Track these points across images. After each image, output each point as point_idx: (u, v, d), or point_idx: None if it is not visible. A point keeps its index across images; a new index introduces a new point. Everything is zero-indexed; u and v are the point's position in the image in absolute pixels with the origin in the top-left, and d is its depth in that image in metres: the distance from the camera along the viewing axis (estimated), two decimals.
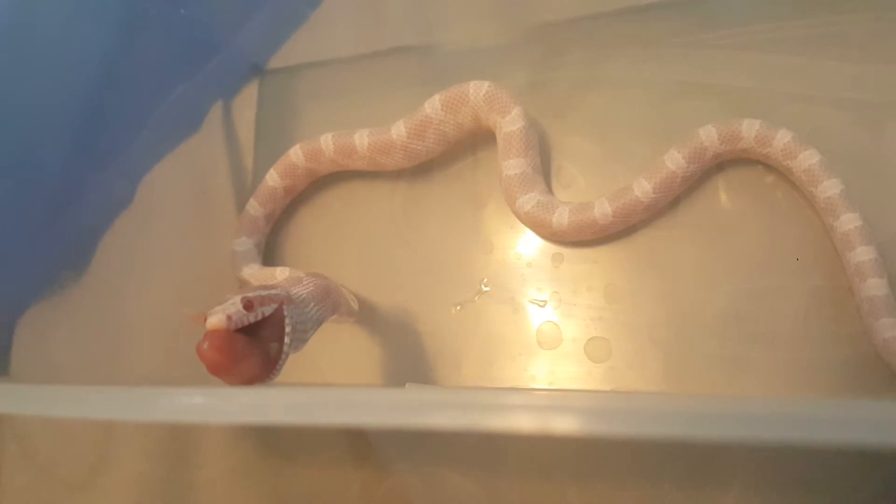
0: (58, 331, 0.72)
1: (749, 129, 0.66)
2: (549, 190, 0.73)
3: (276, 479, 0.74)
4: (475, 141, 0.78)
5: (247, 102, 0.90)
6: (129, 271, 0.76)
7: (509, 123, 0.71)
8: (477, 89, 0.72)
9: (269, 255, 0.83)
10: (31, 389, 0.47)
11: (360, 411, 0.36)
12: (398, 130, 0.75)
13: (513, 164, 0.70)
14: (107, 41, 0.74)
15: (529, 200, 0.70)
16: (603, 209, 0.68)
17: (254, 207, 0.80)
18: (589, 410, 0.33)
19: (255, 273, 0.75)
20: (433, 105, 0.73)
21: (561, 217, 0.69)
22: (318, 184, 0.84)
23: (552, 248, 0.73)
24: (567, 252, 0.72)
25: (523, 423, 0.33)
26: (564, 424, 0.32)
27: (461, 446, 0.69)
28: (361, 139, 0.76)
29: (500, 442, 0.67)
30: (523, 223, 0.72)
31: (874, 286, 0.59)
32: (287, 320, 0.52)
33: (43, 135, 0.70)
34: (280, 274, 0.73)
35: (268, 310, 0.51)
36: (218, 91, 0.88)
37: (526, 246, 0.74)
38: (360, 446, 0.72)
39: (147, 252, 0.78)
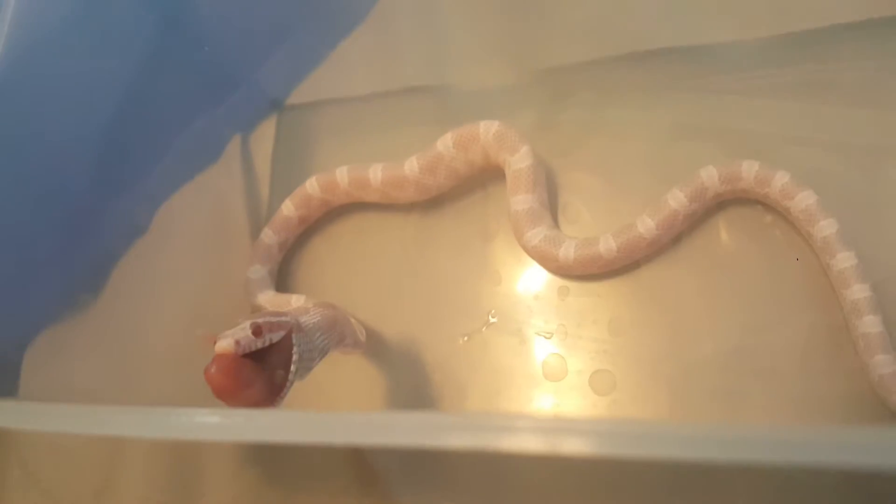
0: (70, 353, 0.73)
1: (749, 170, 0.68)
2: (556, 225, 0.75)
3: None
4: (485, 177, 0.80)
5: (265, 136, 0.92)
6: (144, 296, 0.78)
7: (518, 161, 0.73)
8: (487, 129, 0.75)
9: (282, 282, 0.85)
10: (49, 407, 0.48)
11: (373, 431, 0.37)
12: (411, 166, 0.77)
13: (521, 200, 0.73)
14: (132, 74, 0.77)
15: (537, 234, 0.72)
16: (608, 244, 0.70)
17: (268, 236, 0.82)
18: (592, 432, 0.34)
19: (270, 299, 0.77)
20: (445, 143, 0.76)
21: (567, 251, 0.71)
22: (331, 214, 0.86)
23: (558, 281, 0.75)
24: (573, 286, 0.74)
25: (531, 444, 0.34)
26: (570, 446, 0.33)
27: (465, 476, 0.69)
28: (375, 173, 0.79)
29: (504, 472, 0.68)
30: (531, 256, 0.74)
31: (869, 323, 0.61)
32: (295, 349, 0.52)
33: (67, 161, 0.72)
34: (295, 301, 0.75)
35: (276, 336, 0.51)
36: (237, 124, 0.91)
37: (533, 279, 0.76)
38: (365, 476, 0.72)
39: (162, 278, 0.80)
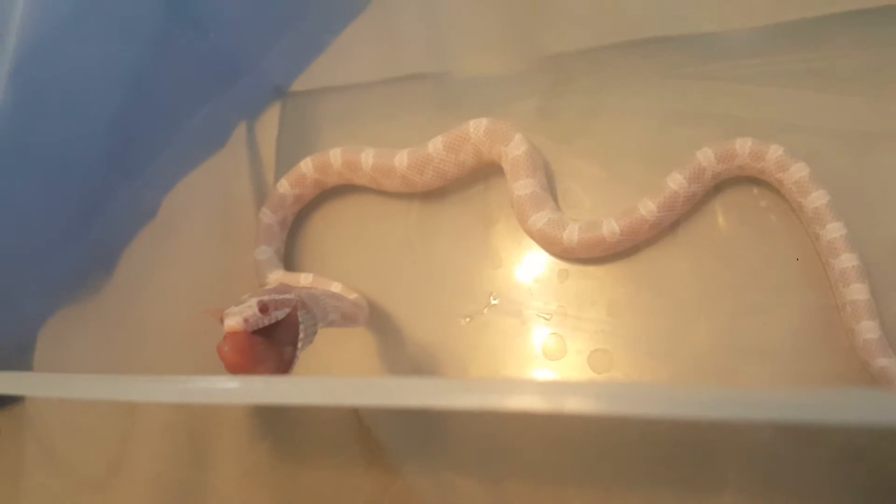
0: (80, 335, 0.75)
1: (742, 147, 0.70)
2: (559, 208, 0.77)
3: (290, 481, 0.76)
4: (485, 171, 0.81)
5: (269, 123, 0.94)
6: (154, 279, 0.80)
7: (514, 149, 0.75)
8: (477, 127, 0.76)
9: (288, 264, 0.87)
10: (69, 377, 0.50)
11: (381, 394, 0.39)
12: (401, 159, 0.79)
13: (523, 185, 0.74)
14: (140, 62, 0.78)
15: (541, 218, 0.73)
16: (611, 227, 0.71)
17: (266, 215, 0.84)
18: (591, 393, 0.36)
19: (280, 278, 0.79)
20: (436, 145, 0.78)
21: (571, 234, 0.72)
22: (335, 198, 0.88)
23: (558, 264, 0.77)
24: (572, 269, 0.76)
25: (531, 403, 0.36)
26: (570, 404, 0.35)
27: (468, 450, 0.72)
28: (367, 158, 0.81)
29: (506, 447, 0.70)
30: (535, 240, 0.76)
31: (857, 291, 0.63)
32: (301, 326, 0.54)
33: (77, 147, 0.74)
34: (304, 279, 0.77)
35: (281, 314, 0.53)
36: (242, 111, 0.92)
37: (533, 262, 0.78)
38: (371, 449, 0.74)
39: (171, 262, 0.81)
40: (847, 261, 0.64)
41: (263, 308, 0.51)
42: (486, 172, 0.82)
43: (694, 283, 0.72)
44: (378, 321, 0.80)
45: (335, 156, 0.82)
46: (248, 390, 0.41)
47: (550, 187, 0.78)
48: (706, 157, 0.71)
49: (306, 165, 0.84)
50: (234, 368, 0.50)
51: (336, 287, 0.77)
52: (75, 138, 0.74)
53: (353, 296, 0.75)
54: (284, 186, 0.85)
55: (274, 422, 0.78)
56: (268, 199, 0.86)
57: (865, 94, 0.74)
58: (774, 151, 0.69)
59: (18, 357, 0.73)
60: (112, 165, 0.77)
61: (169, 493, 0.79)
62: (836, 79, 0.75)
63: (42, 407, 0.80)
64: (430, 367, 0.77)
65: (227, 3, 0.88)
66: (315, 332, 0.59)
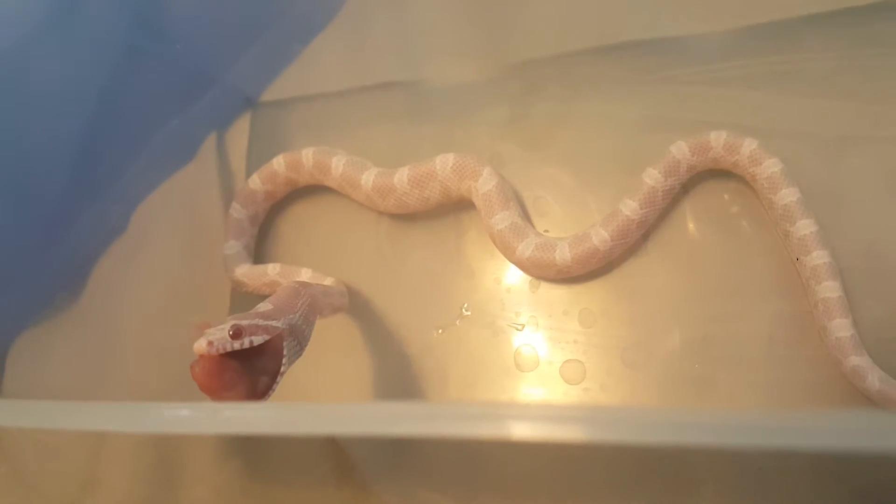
0: (51, 353, 0.74)
1: (717, 139, 0.70)
2: (538, 231, 0.75)
3: (261, 499, 0.75)
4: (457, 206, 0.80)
5: (240, 133, 0.93)
6: (123, 295, 0.79)
7: (484, 184, 0.73)
8: (443, 163, 0.75)
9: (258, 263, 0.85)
10: (25, 404, 0.49)
11: (337, 422, 0.38)
12: (367, 178, 0.78)
13: (501, 219, 0.72)
14: (105, 75, 0.77)
15: (528, 246, 0.71)
16: (600, 236, 0.70)
17: (236, 210, 0.84)
18: (550, 418, 0.35)
19: (246, 272, 0.78)
20: (401, 178, 0.76)
21: (563, 253, 0.70)
22: (309, 200, 0.87)
23: None
24: None
25: (486, 430, 0.35)
26: (523, 431, 0.34)
27: (439, 465, 0.71)
28: (338, 165, 0.80)
29: (477, 460, 0.69)
30: (525, 270, 0.74)
31: (829, 289, 0.63)
32: (284, 359, 0.53)
33: (42, 164, 0.73)
34: (271, 270, 0.77)
35: (258, 339, 0.52)
36: (212, 122, 0.91)
37: (505, 272, 0.77)
38: (343, 467, 0.73)
39: (141, 276, 0.80)
40: (818, 258, 0.64)
41: (237, 332, 0.50)
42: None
43: (666, 291, 0.71)
44: (351, 335, 0.79)
45: (307, 156, 0.82)
46: (197, 419, 0.40)
47: (521, 196, 0.77)
48: (680, 150, 0.71)
49: (278, 163, 0.84)
50: (205, 390, 0.49)
51: (306, 274, 0.76)
52: (40, 155, 0.73)
53: (327, 281, 0.75)
54: (255, 182, 0.84)
55: (244, 440, 0.77)
56: (238, 193, 0.85)
57: (836, 96, 0.74)
58: (749, 145, 0.69)
59: None
60: (79, 181, 0.76)
61: None
62: (806, 82, 0.75)
63: (12, 428, 0.79)
64: (405, 381, 0.76)
65: (194, 14, 0.87)
66: (300, 355, 0.57)
